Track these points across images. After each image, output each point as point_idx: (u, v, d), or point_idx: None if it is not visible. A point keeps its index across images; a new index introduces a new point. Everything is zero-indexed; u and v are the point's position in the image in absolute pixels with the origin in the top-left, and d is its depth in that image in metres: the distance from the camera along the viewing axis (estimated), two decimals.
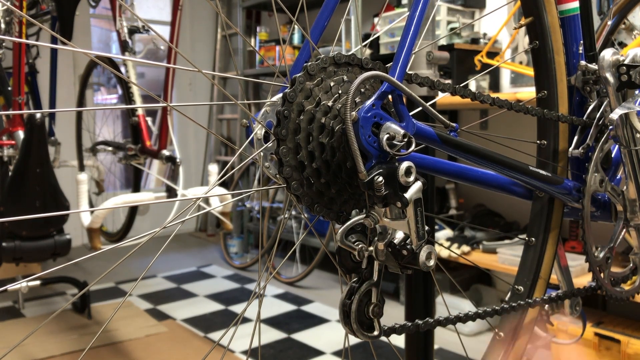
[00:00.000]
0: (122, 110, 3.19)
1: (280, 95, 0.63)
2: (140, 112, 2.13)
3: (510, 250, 2.29)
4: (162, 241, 0.79)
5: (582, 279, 2.00)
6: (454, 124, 0.75)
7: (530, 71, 2.32)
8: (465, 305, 2.39)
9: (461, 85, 0.80)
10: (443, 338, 2.20)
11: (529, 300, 0.93)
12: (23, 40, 2.11)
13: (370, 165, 0.61)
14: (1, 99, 2.15)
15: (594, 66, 0.96)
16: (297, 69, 0.70)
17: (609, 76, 0.93)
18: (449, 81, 1.03)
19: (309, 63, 0.64)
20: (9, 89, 2.05)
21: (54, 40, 2.52)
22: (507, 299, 0.99)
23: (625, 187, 0.98)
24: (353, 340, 0.70)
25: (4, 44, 2.04)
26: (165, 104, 1.08)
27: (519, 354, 0.97)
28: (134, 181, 2.51)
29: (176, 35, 2.13)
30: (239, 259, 3.67)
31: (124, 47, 2.19)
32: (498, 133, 0.94)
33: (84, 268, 3.32)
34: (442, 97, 2.06)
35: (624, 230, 1.00)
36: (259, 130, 0.67)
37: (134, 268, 3.30)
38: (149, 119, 2.17)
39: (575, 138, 0.98)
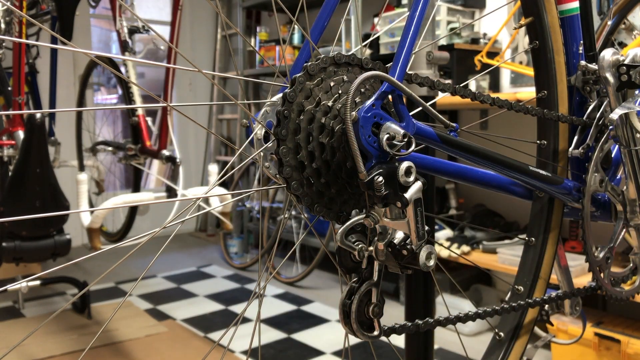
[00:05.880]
0: (122, 110, 3.19)
1: (280, 95, 0.63)
2: (140, 112, 2.13)
3: (510, 250, 2.29)
4: (162, 241, 0.80)
5: (582, 279, 2.00)
6: (454, 124, 0.75)
7: (530, 71, 2.32)
8: (465, 305, 2.39)
9: (461, 85, 0.80)
10: (443, 338, 2.20)
11: (529, 300, 0.93)
12: (23, 40, 2.11)
13: (370, 165, 0.61)
14: (1, 99, 2.15)
15: (594, 66, 0.96)
16: (297, 69, 0.70)
17: (609, 76, 0.93)
18: (449, 81, 1.03)
19: (309, 63, 0.63)
20: (9, 89, 2.05)
21: (54, 40, 2.52)
22: (507, 299, 0.99)
23: (625, 187, 0.98)
24: (353, 340, 0.70)
25: (4, 44, 2.04)
26: (165, 104, 1.08)
27: (519, 354, 0.97)
28: (134, 181, 2.51)
29: (176, 35, 2.13)
30: (239, 259, 3.67)
31: (124, 47, 2.19)
32: (498, 133, 0.94)
33: (84, 268, 3.32)
34: (442, 97, 2.06)
35: (624, 230, 1.00)
36: (259, 130, 0.67)
37: (134, 268, 3.30)
38: (149, 119, 2.17)
39: (575, 138, 0.98)
